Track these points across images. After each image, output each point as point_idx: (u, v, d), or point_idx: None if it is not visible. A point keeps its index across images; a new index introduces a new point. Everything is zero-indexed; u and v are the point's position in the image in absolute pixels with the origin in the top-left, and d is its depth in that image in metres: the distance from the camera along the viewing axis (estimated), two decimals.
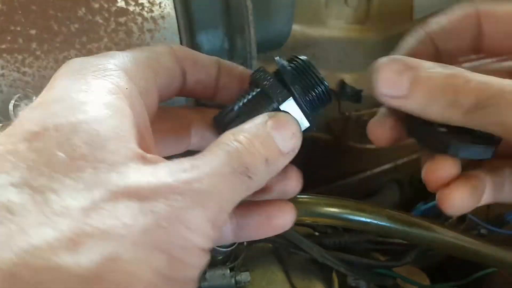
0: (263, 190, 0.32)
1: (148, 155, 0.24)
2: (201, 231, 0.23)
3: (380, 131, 0.34)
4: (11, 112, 0.26)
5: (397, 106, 0.30)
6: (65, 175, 0.21)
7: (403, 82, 0.29)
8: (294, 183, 0.33)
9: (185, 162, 0.24)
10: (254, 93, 0.31)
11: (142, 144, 0.25)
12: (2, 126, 0.25)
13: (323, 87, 0.31)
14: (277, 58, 0.32)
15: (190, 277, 0.24)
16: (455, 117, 0.29)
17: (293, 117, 0.29)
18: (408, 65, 0.30)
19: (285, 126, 0.28)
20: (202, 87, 0.34)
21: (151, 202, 0.22)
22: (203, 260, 0.24)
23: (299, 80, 0.31)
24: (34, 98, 0.26)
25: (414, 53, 0.35)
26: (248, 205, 0.32)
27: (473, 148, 0.30)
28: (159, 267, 0.21)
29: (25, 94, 0.26)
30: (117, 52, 0.29)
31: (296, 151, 0.29)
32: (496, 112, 0.27)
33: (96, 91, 0.25)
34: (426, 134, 0.31)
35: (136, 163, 0.23)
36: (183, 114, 0.35)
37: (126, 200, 0.21)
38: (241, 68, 0.35)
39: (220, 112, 0.32)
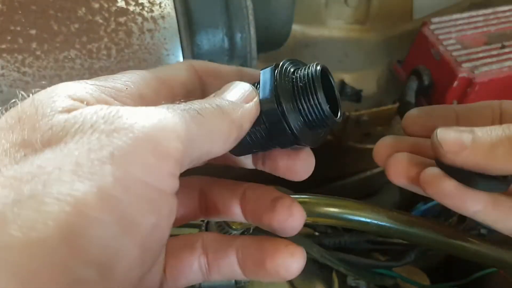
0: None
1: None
2: (138, 157, 0.21)
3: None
4: None
5: (461, 161, 0.30)
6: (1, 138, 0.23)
7: (464, 138, 0.30)
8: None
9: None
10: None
11: None
12: None
13: (320, 114, 0.29)
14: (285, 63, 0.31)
15: (133, 220, 0.21)
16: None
17: (240, 81, 0.29)
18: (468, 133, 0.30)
19: (235, 88, 0.29)
20: None
21: (75, 139, 0.21)
22: (155, 199, 0.22)
23: (296, 98, 0.30)
24: None
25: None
26: (261, 240, 0.31)
27: (493, 183, 0.31)
28: (80, 204, 0.19)
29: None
30: (128, 71, 0.29)
31: (256, 101, 0.29)
32: None
33: (72, 84, 0.26)
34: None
35: (67, 111, 0.23)
36: None
37: (52, 147, 0.21)
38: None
39: None
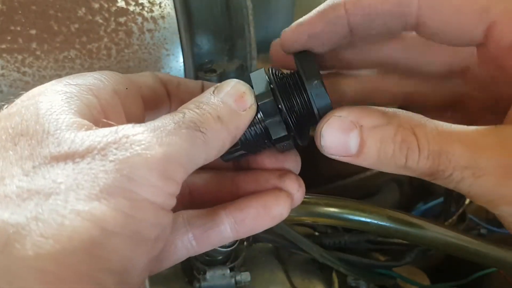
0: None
1: (94, 125, 0.25)
2: (146, 182, 0.23)
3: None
4: None
5: (346, 161, 0.29)
6: (4, 151, 0.23)
7: (350, 143, 0.28)
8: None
9: (128, 125, 0.25)
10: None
11: (103, 124, 0.26)
12: None
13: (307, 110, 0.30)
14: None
15: (142, 233, 0.23)
16: (412, 175, 0.28)
17: (239, 80, 0.30)
18: (353, 123, 0.27)
19: (233, 89, 0.29)
20: None
21: (86, 160, 0.22)
22: (159, 217, 0.24)
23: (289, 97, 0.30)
24: None
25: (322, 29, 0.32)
26: (245, 198, 0.32)
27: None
28: (97, 219, 0.21)
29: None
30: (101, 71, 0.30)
31: (253, 108, 0.30)
32: (452, 181, 0.27)
33: (57, 84, 0.27)
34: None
35: (75, 129, 0.24)
36: None
37: (60, 163, 0.22)
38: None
39: None
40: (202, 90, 0.35)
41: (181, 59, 0.43)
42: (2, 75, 0.38)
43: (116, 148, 0.23)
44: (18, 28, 0.38)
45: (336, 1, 0.30)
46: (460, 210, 0.64)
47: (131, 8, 0.40)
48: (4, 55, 0.38)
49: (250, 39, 0.45)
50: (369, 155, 0.28)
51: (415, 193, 0.85)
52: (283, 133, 0.30)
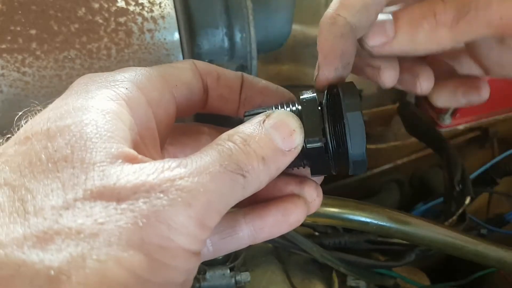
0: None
1: (140, 156, 0.24)
2: (185, 230, 0.22)
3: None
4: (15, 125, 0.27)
5: (388, 52, 0.31)
6: (45, 176, 0.22)
7: (387, 28, 0.30)
8: (312, 191, 0.32)
9: (173, 161, 0.24)
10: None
11: (139, 147, 0.25)
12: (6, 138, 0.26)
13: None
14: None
15: (173, 280, 0.23)
16: (444, 38, 0.29)
17: (293, 114, 0.28)
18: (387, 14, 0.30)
19: (283, 123, 0.27)
20: (225, 102, 0.34)
21: (129, 201, 0.21)
22: (191, 262, 0.24)
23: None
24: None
25: None
26: (264, 205, 0.31)
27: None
28: (134, 267, 0.21)
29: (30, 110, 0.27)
30: (133, 67, 0.29)
31: (299, 148, 0.28)
32: (478, 14, 0.27)
33: (95, 97, 0.25)
34: None
35: (121, 163, 0.23)
36: (201, 130, 0.35)
37: (103, 200, 0.21)
38: (263, 82, 0.35)
39: None
40: (242, 83, 0.34)
41: (181, 59, 0.43)
42: (2, 75, 0.38)
43: (160, 192, 0.22)
44: (18, 28, 0.38)
45: (329, 14, 0.30)
46: (460, 210, 0.64)
47: (131, 8, 0.40)
48: (4, 55, 0.38)
49: (250, 39, 0.45)
50: (403, 26, 0.30)
51: (415, 193, 0.85)
52: (325, 173, 0.30)
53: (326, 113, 0.29)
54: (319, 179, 0.33)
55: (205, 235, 0.24)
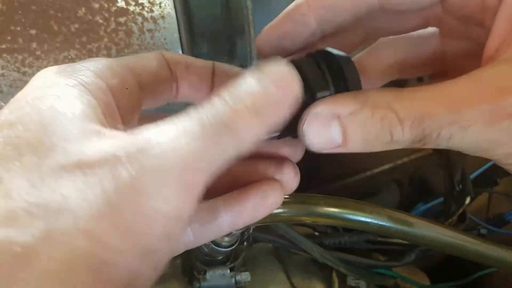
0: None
1: (107, 131, 0.23)
2: (161, 195, 0.21)
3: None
4: None
5: (337, 152, 0.28)
6: (9, 161, 0.22)
7: (334, 135, 0.27)
8: (290, 170, 0.32)
9: (145, 129, 0.23)
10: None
11: (105, 125, 0.25)
12: None
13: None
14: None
15: (151, 247, 0.22)
16: (402, 147, 0.28)
17: (287, 63, 0.26)
18: (330, 115, 0.27)
19: (277, 71, 0.25)
20: (196, 91, 0.34)
21: (96, 173, 0.21)
22: (170, 227, 0.22)
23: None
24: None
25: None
26: (243, 190, 0.31)
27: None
28: (105, 237, 0.20)
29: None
30: (94, 58, 0.29)
31: (299, 99, 0.26)
32: (436, 141, 0.26)
33: (53, 86, 0.26)
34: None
35: (86, 137, 0.23)
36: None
37: (70, 174, 0.21)
38: (237, 69, 0.35)
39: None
40: (213, 71, 0.34)
41: None
42: (2, 75, 0.38)
43: (129, 161, 0.22)
44: (18, 28, 0.38)
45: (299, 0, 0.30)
46: (460, 210, 0.64)
47: (131, 8, 0.40)
48: (4, 55, 0.38)
49: (250, 39, 0.45)
50: (354, 141, 0.27)
51: (415, 193, 0.85)
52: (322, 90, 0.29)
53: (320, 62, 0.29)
54: (296, 157, 0.33)
55: (188, 197, 0.22)
